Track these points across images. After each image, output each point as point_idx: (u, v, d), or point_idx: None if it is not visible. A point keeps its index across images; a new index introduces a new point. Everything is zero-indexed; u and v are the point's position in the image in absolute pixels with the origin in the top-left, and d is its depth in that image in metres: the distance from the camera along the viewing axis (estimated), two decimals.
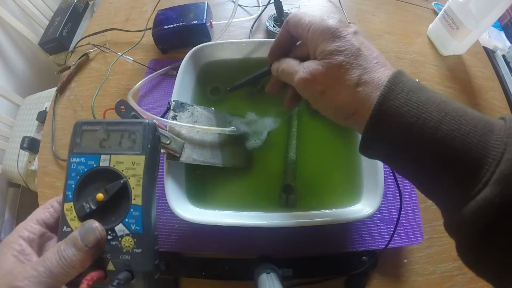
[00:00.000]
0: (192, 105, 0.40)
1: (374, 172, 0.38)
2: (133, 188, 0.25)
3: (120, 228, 0.24)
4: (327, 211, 0.38)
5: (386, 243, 0.40)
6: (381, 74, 0.23)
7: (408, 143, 0.21)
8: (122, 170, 0.25)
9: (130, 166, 0.25)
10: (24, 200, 1.08)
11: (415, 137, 0.21)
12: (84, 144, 0.26)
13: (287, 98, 0.32)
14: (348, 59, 0.24)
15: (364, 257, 0.39)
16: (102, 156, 0.25)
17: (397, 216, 0.42)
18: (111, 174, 0.25)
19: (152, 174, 0.26)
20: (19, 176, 0.88)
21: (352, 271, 0.39)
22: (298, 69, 0.27)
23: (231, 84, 0.41)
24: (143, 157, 0.25)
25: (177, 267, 0.40)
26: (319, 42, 0.25)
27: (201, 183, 0.41)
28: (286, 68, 0.29)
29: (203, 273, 0.39)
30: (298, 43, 0.31)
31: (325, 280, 0.39)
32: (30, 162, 0.87)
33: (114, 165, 0.25)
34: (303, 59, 0.28)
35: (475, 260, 0.21)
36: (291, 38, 0.30)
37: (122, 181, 0.25)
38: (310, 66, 0.26)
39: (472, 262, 0.21)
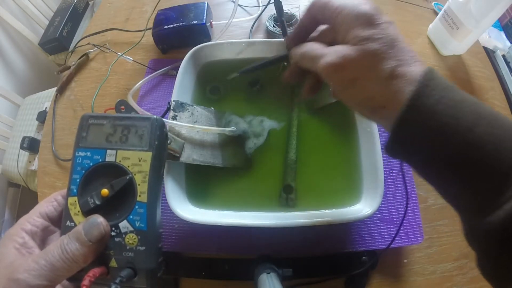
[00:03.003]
0: (192, 105, 0.40)
1: (374, 172, 0.38)
2: (138, 184, 0.24)
3: (124, 225, 0.24)
4: (327, 211, 0.38)
5: (387, 243, 0.40)
6: (416, 68, 0.22)
7: (439, 143, 0.20)
8: (128, 166, 0.25)
9: (136, 162, 0.25)
10: (24, 200, 1.08)
11: (447, 138, 0.20)
12: (91, 138, 0.25)
13: (307, 87, 0.31)
14: (384, 48, 0.22)
15: (364, 257, 0.39)
16: (108, 151, 0.25)
17: (397, 216, 0.42)
18: (117, 170, 0.25)
19: (158, 171, 0.25)
20: (19, 176, 0.88)
21: (352, 271, 0.39)
22: (325, 53, 0.25)
23: (242, 68, 0.38)
24: (150, 153, 0.25)
25: (177, 267, 0.40)
26: (352, 27, 0.23)
27: (201, 183, 0.41)
28: (308, 51, 0.27)
29: (203, 273, 0.39)
30: (321, 28, 0.29)
31: (325, 280, 0.39)
32: (30, 162, 0.87)
33: (120, 161, 0.25)
34: (327, 44, 0.26)
35: (497, 272, 0.20)
36: (314, 23, 0.28)
37: (128, 177, 0.24)
38: (340, 50, 0.24)
39: (493, 274, 0.20)
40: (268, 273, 0.34)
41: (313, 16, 0.28)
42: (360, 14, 0.23)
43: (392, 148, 0.23)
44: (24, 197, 1.08)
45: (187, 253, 0.42)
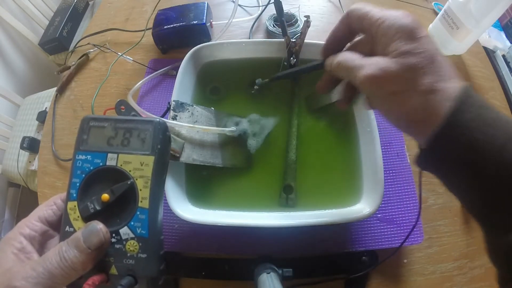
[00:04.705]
0: (192, 105, 0.40)
1: (374, 172, 0.38)
2: (140, 190, 0.24)
3: (125, 231, 0.23)
4: (327, 211, 0.38)
5: (387, 243, 0.40)
6: (454, 84, 0.22)
7: (471, 159, 0.21)
8: (130, 171, 0.24)
9: (138, 166, 0.24)
10: (24, 200, 1.08)
11: (479, 154, 0.20)
12: (91, 141, 0.25)
13: (342, 100, 0.31)
14: (424, 62, 0.22)
15: (364, 257, 0.39)
16: (109, 155, 0.24)
17: (397, 216, 0.42)
18: (118, 174, 0.24)
19: (160, 176, 0.25)
20: (19, 176, 0.88)
21: (352, 271, 0.39)
22: (363, 64, 0.24)
23: (271, 75, 0.39)
24: (152, 157, 0.24)
25: (177, 267, 0.40)
26: (393, 39, 0.23)
27: (201, 183, 0.41)
28: (344, 61, 0.26)
29: (203, 273, 0.39)
30: (357, 37, 0.29)
31: (325, 280, 0.39)
32: (30, 162, 0.87)
33: (121, 165, 0.24)
34: (364, 55, 0.26)
35: None
36: (349, 32, 0.28)
37: (129, 182, 0.24)
38: (380, 62, 0.23)
39: None
40: (268, 273, 0.34)
41: (349, 26, 0.28)
42: (401, 27, 0.23)
43: (425, 160, 0.23)
44: (24, 197, 1.08)
45: (187, 253, 0.42)
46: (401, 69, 0.23)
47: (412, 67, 0.22)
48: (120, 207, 0.24)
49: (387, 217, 0.42)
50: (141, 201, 0.24)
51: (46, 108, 0.89)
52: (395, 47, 0.23)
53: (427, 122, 0.22)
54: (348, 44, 0.30)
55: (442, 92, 0.22)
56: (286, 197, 0.40)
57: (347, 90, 0.30)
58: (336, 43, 0.30)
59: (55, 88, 0.59)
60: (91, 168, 0.24)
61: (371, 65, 0.24)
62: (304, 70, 0.35)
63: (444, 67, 0.23)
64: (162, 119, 0.26)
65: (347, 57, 0.27)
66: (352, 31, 0.28)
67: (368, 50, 0.26)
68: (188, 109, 0.39)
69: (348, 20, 0.27)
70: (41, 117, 0.84)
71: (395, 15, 0.24)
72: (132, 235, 0.23)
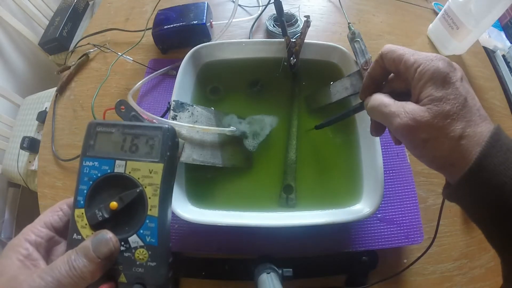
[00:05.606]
0: (192, 105, 0.40)
1: (374, 172, 0.38)
2: (149, 198, 0.23)
3: (134, 239, 0.23)
4: (327, 211, 0.38)
5: (387, 243, 0.40)
6: (483, 128, 0.23)
7: (497, 201, 0.22)
8: (138, 178, 0.23)
9: (147, 174, 0.23)
10: (24, 200, 1.08)
11: (504, 196, 0.21)
12: (98, 147, 0.24)
13: (372, 128, 0.31)
14: (455, 109, 0.23)
15: (364, 257, 0.39)
16: (117, 162, 0.24)
17: (397, 216, 0.42)
18: (127, 182, 0.23)
19: (169, 183, 0.24)
20: (19, 176, 0.88)
21: (352, 271, 0.39)
22: (397, 112, 0.25)
23: (318, 123, 0.39)
24: (161, 165, 0.23)
25: (177, 267, 0.40)
26: (427, 85, 0.24)
27: (201, 183, 0.41)
28: (378, 106, 0.27)
29: (203, 273, 0.39)
30: (390, 76, 0.30)
31: (325, 280, 0.39)
32: (30, 162, 0.87)
33: (129, 172, 0.24)
34: (396, 94, 0.27)
35: None
36: (384, 72, 0.29)
37: (138, 190, 0.23)
38: (413, 111, 0.24)
39: None
40: (268, 273, 0.34)
41: (384, 67, 0.28)
42: (435, 72, 0.24)
43: (451, 196, 0.25)
44: (24, 197, 1.08)
45: (187, 253, 0.42)
46: (434, 117, 0.23)
47: (445, 115, 0.23)
48: (128, 214, 0.23)
49: (387, 217, 0.42)
50: (150, 209, 0.23)
51: (46, 108, 0.89)
52: (429, 93, 0.24)
53: (456, 166, 0.23)
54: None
55: (472, 137, 0.23)
56: (286, 197, 0.40)
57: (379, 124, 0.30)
58: (373, 83, 0.30)
59: (55, 88, 0.59)
60: (99, 175, 0.24)
61: (405, 114, 0.25)
62: (346, 115, 0.36)
63: (475, 111, 0.24)
64: (171, 124, 0.26)
65: (381, 101, 0.27)
66: (387, 71, 0.29)
67: (403, 87, 0.27)
68: (188, 109, 0.39)
69: (382, 62, 0.28)
70: (41, 117, 0.84)
71: (429, 59, 0.24)
72: (141, 243, 0.23)
